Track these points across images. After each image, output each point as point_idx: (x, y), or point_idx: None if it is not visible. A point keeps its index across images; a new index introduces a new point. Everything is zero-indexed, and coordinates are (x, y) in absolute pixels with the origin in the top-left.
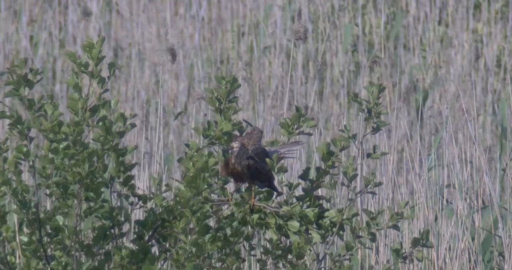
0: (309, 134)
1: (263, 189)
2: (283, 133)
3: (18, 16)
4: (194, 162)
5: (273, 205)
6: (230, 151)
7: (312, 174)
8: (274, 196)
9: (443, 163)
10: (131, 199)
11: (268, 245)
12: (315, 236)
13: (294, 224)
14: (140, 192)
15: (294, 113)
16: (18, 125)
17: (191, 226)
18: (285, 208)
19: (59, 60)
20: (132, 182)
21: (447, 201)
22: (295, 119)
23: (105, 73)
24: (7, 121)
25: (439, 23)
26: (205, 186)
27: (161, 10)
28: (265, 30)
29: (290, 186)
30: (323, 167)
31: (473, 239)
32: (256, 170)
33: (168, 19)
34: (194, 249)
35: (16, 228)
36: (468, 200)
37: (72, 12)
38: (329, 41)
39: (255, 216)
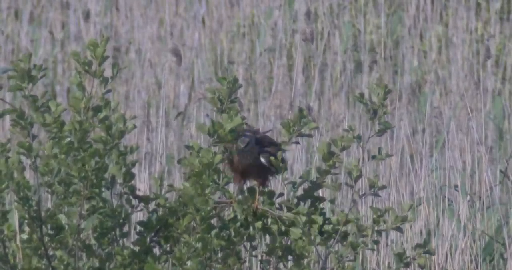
0: (309, 136)
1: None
2: (284, 134)
3: (19, 15)
4: (201, 158)
5: (275, 202)
6: (240, 141)
7: (313, 175)
8: (276, 196)
9: (445, 164)
10: (132, 202)
11: (270, 244)
12: (317, 239)
13: (297, 231)
14: (140, 193)
15: (296, 114)
16: (21, 121)
17: (194, 225)
18: (288, 215)
19: (60, 60)
20: (132, 182)
21: (448, 199)
22: (297, 120)
23: (107, 74)
24: (9, 122)
25: (441, 20)
26: (210, 183)
27: (161, 10)
28: (266, 30)
29: (294, 185)
30: (323, 167)
31: (474, 241)
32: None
33: (168, 19)
34: (200, 245)
35: (17, 226)
36: (470, 201)
37: (73, 12)
38: (329, 41)
39: (259, 223)
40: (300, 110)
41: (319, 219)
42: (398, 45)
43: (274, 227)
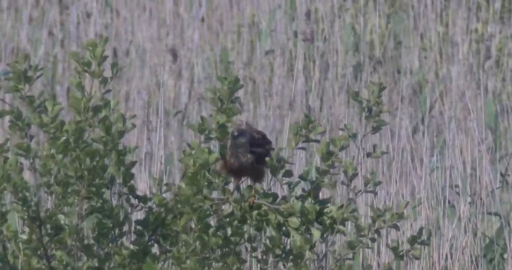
0: (317, 141)
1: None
2: (292, 139)
3: (19, 15)
4: (195, 158)
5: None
6: (232, 137)
7: (312, 174)
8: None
9: (445, 164)
10: (131, 201)
11: (268, 243)
12: (315, 233)
13: (294, 220)
14: (140, 193)
15: (303, 119)
16: (18, 122)
17: (192, 224)
18: (285, 205)
19: (59, 60)
20: (132, 182)
21: (449, 202)
22: (305, 125)
23: (107, 74)
24: (7, 122)
25: (441, 20)
26: (206, 183)
27: (162, 10)
28: (266, 32)
29: (290, 185)
30: (322, 167)
31: (475, 241)
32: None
33: (168, 19)
34: (197, 244)
35: (18, 227)
36: (470, 202)
37: (73, 12)
38: (329, 42)
39: (255, 212)
40: (306, 115)
41: (313, 208)
42: (399, 46)
43: (272, 217)
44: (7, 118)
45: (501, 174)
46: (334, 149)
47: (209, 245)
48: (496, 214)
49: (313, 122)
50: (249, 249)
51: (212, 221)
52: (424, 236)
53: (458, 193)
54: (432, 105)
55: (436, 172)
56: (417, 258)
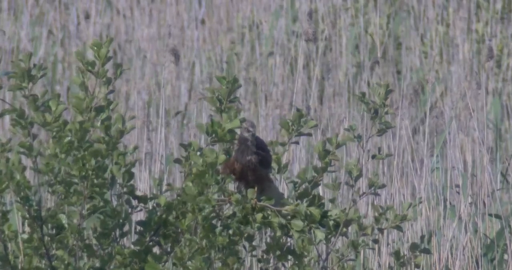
0: (309, 135)
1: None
2: (283, 134)
3: (19, 16)
4: (205, 157)
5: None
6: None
7: (311, 173)
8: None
9: (446, 164)
10: (132, 202)
11: (270, 242)
12: (319, 235)
13: (298, 223)
14: (140, 193)
15: (295, 113)
16: (21, 120)
17: (195, 224)
18: (288, 207)
19: (59, 60)
20: (132, 182)
21: (450, 202)
22: (296, 119)
23: (108, 74)
24: (8, 122)
25: (441, 22)
26: (213, 182)
27: (162, 10)
28: (267, 33)
29: (295, 184)
30: (320, 165)
31: (476, 234)
32: (266, 160)
33: (169, 19)
34: (204, 243)
35: (19, 227)
36: (471, 202)
37: (73, 12)
38: (330, 42)
39: (259, 215)
40: (298, 109)
41: (317, 211)
42: (399, 46)
43: (275, 220)
44: (7, 118)
45: (502, 174)
46: (330, 147)
47: (215, 244)
48: (496, 216)
49: (305, 116)
50: (248, 248)
51: (215, 222)
52: (425, 244)
53: (458, 193)
54: (433, 105)
55: (436, 172)
56: (418, 267)
